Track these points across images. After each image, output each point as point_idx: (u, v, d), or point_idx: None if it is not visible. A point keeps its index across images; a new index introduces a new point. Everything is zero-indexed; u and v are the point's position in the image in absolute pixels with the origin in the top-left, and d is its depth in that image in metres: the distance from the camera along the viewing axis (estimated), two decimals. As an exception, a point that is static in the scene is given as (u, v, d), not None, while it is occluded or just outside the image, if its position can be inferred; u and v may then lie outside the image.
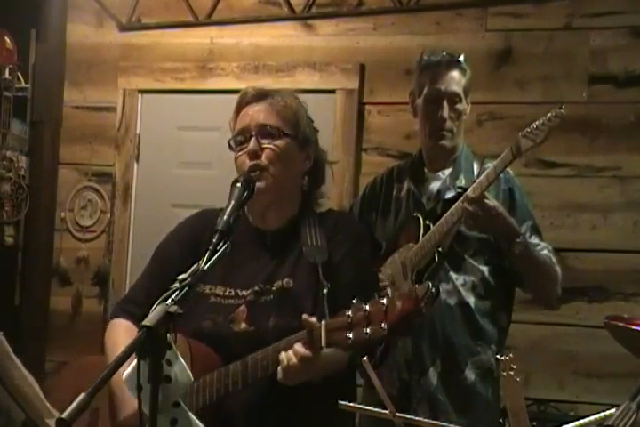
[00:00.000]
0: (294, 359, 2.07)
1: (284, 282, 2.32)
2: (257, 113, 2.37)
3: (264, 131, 2.34)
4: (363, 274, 2.38)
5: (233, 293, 2.36)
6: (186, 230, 2.52)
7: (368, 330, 1.90)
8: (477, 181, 2.83)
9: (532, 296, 3.06)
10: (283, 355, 2.09)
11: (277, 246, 2.39)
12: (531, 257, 2.89)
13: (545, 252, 2.96)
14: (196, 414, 2.02)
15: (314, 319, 2.04)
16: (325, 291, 2.20)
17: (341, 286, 2.25)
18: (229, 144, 2.39)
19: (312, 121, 2.47)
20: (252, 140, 2.33)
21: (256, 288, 2.33)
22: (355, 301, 1.95)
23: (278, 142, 2.34)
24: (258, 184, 2.28)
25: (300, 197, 2.44)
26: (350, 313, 1.94)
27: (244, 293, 2.35)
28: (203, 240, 2.27)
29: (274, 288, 2.32)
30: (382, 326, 1.89)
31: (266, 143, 2.34)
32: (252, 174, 2.29)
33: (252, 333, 2.30)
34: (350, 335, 1.93)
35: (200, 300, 2.35)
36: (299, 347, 2.06)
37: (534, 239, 2.96)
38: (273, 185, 2.33)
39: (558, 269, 2.97)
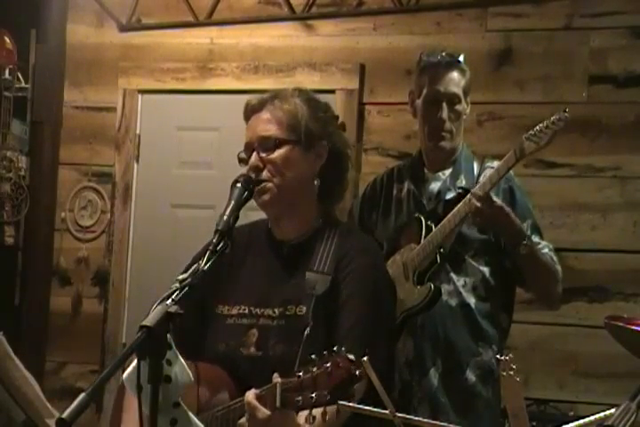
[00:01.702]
0: (253, 422, 2.03)
1: (297, 309, 2.28)
2: (256, 125, 2.34)
3: (263, 143, 2.31)
4: (364, 320, 2.27)
5: (247, 311, 2.34)
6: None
7: (314, 395, 1.88)
8: (480, 182, 2.84)
9: (534, 296, 3.07)
10: (241, 421, 2.06)
11: (294, 261, 2.35)
12: (535, 258, 2.89)
13: (546, 251, 2.96)
14: None
15: (275, 377, 1.99)
16: (308, 330, 2.18)
17: (341, 329, 2.22)
18: (239, 158, 2.37)
19: (325, 111, 2.40)
20: (254, 154, 2.32)
21: (270, 312, 2.31)
22: (313, 356, 1.91)
23: (278, 153, 2.30)
24: (263, 197, 2.28)
25: (317, 203, 2.37)
26: (301, 374, 1.91)
27: (258, 311, 2.33)
28: (221, 268, 2.26)
29: (287, 313, 2.29)
30: (324, 392, 1.86)
31: (266, 156, 2.30)
32: (256, 188, 2.26)
33: (259, 357, 2.29)
34: (299, 398, 1.91)
35: (218, 322, 2.36)
36: (254, 407, 2.01)
37: (535, 238, 2.96)
38: (278, 196, 2.30)
39: (559, 268, 2.98)
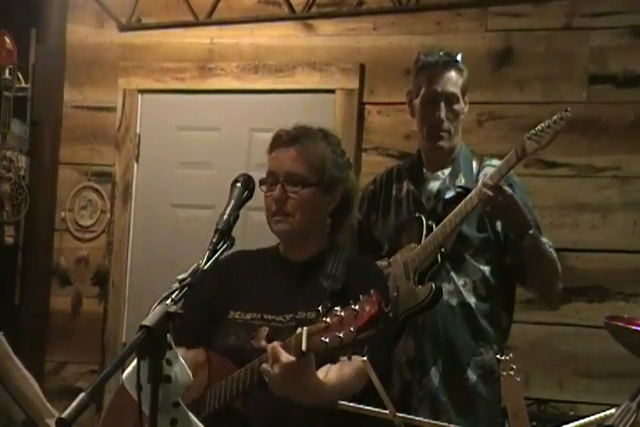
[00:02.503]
0: (276, 367, 2.12)
1: (307, 314, 2.37)
2: (286, 160, 2.47)
3: (290, 179, 2.45)
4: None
5: (260, 316, 2.44)
6: (217, 271, 2.56)
7: (341, 334, 1.98)
8: (487, 175, 2.84)
9: (535, 294, 3.06)
10: (264, 365, 2.15)
11: (304, 277, 2.48)
12: (539, 250, 2.90)
13: (547, 247, 2.96)
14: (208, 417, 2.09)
15: (299, 328, 2.11)
16: (324, 310, 2.24)
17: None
18: (260, 181, 2.46)
19: (342, 155, 2.56)
20: (279, 187, 2.45)
21: (281, 318, 2.41)
22: (337, 308, 2.04)
23: (303, 192, 2.45)
24: (280, 226, 2.46)
25: (327, 234, 2.54)
26: (327, 319, 2.02)
27: (270, 317, 2.43)
28: (231, 282, 2.49)
29: (297, 317, 2.39)
30: (351, 329, 1.97)
31: (291, 191, 2.45)
32: (275, 218, 2.46)
33: None
34: (326, 340, 2.00)
35: (230, 324, 2.45)
36: (279, 352, 2.12)
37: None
38: (296, 229, 2.46)
39: (559, 265, 2.98)
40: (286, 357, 2.10)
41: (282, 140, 2.51)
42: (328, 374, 2.24)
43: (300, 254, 2.52)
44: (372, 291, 2.01)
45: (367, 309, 1.97)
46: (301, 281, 2.48)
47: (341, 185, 2.52)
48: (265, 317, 2.43)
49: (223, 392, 2.26)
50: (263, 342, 2.34)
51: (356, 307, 1.99)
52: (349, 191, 2.57)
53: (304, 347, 2.05)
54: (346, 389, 2.25)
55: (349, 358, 2.06)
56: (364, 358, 1.90)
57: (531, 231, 2.85)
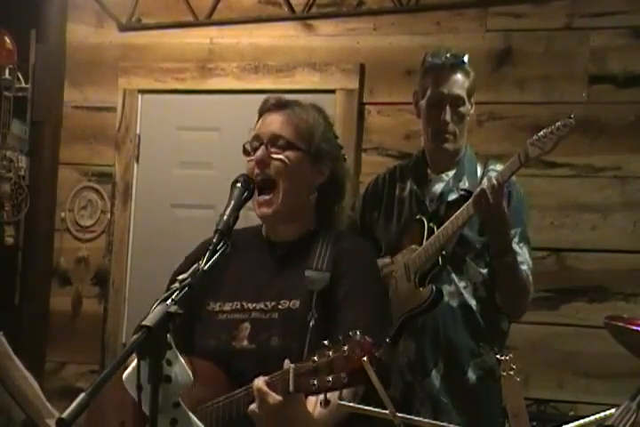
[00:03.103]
0: (264, 408, 2.01)
1: (291, 303, 2.28)
2: (272, 122, 2.35)
3: (275, 141, 2.32)
4: (367, 309, 2.28)
5: (239, 306, 2.33)
6: (202, 250, 2.50)
7: (330, 378, 1.88)
8: (484, 185, 2.81)
9: (500, 304, 3.01)
10: (251, 407, 2.04)
11: (288, 260, 2.36)
12: (510, 274, 2.87)
13: (524, 268, 2.92)
14: None
15: (287, 363, 2.00)
16: (313, 322, 2.19)
17: (343, 325, 2.20)
18: (244, 147, 2.38)
19: (336, 137, 2.45)
20: (262, 148, 2.32)
21: (262, 305, 2.31)
22: (325, 342, 1.93)
23: (288, 153, 2.31)
24: (263, 209, 2.31)
25: (314, 211, 2.39)
26: (316, 358, 1.92)
27: (250, 306, 2.32)
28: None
29: (280, 307, 2.29)
30: (342, 375, 1.87)
31: (275, 153, 2.31)
32: (258, 198, 2.29)
33: (252, 350, 2.27)
34: (315, 382, 1.90)
35: (209, 319, 2.34)
36: (265, 393, 2.01)
37: (522, 248, 2.94)
38: (280, 209, 2.31)
39: (532, 289, 2.95)
40: (273, 398, 1.99)
41: (270, 105, 2.38)
42: (317, 405, 2.05)
43: (284, 234, 2.38)
44: (365, 338, 1.87)
45: (358, 353, 1.85)
46: (286, 263, 2.35)
47: (331, 161, 2.38)
48: (246, 306, 2.32)
49: (207, 421, 2.14)
50: (245, 343, 2.27)
51: (345, 348, 1.87)
52: (339, 172, 2.41)
53: (292, 388, 1.95)
54: (340, 412, 2.11)
55: (340, 394, 1.91)
56: (364, 359, 1.88)
57: (507, 257, 2.83)
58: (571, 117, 2.68)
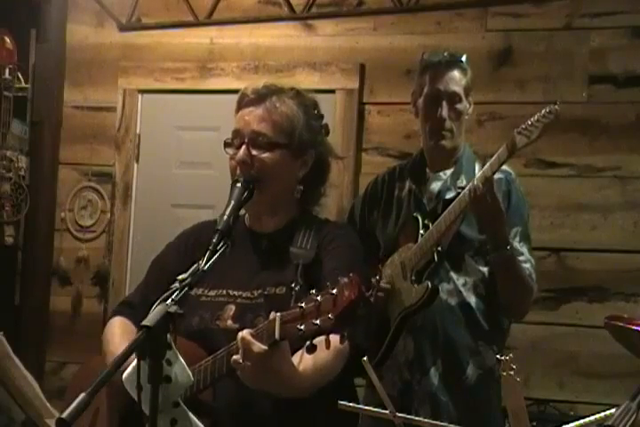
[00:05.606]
0: (248, 358, 1.98)
1: (277, 289, 2.26)
2: (251, 118, 2.31)
3: (256, 140, 2.29)
4: (349, 262, 2.27)
5: (225, 292, 2.31)
6: (183, 240, 2.50)
7: (318, 321, 1.84)
8: (476, 177, 2.82)
9: (501, 303, 3.01)
10: (235, 357, 2.01)
11: (272, 249, 2.35)
12: (512, 269, 2.87)
13: (527, 266, 2.93)
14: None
15: (273, 313, 1.96)
16: (297, 288, 2.15)
17: (326, 272, 2.20)
18: (224, 142, 2.35)
19: (319, 116, 2.41)
20: (243, 148, 2.29)
21: (248, 294, 2.29)
22: (312, 291, 1.89)
23: (269, 154, 2.28)
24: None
25: (296, 201, 2.38)
26: (303, 304, 1.88)
27: (236, 293, 2.30)
28: (199, 250, 2.23)
29: (266, 293, 2.27)
30: (329, 316, 1.83)
31: (257, 153, 2.29)
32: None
33: (236, 330, 2.20)
34: (302, 327, 1.86)
35: (193, 301, 2.30)
36: (250, 342, 1.97)
37: (522, 247, 2.94)
38: (264, 198, 2.29)
39: (535, 287, 2.95)
40: (258, 347, 1.95)
41: (248, 99, 2.34)
42: (302, 359, 2.05)
43: (268, 225, 2.37)
44: (351, 274, 1.85)
45: (346, 293, 1.81)
46: (270, 254, 2.34)
47: (313, 149, 2.35)
48: (231, 293, 2.30)
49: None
50: (229, 322, 2.24)
51: (334, 291, 1.83)
52: (323, 156, 2.39)
53: (277, 335, 1.91)
54: (324, 374, 2.11)
55: (327, 342, 1.87)
56: (364, 358, 1.88)
57: (506, 251, 2.82)
58: (556, 104, 2.69)
